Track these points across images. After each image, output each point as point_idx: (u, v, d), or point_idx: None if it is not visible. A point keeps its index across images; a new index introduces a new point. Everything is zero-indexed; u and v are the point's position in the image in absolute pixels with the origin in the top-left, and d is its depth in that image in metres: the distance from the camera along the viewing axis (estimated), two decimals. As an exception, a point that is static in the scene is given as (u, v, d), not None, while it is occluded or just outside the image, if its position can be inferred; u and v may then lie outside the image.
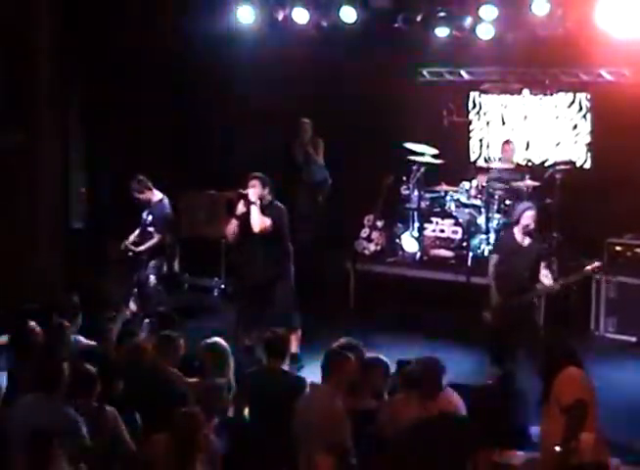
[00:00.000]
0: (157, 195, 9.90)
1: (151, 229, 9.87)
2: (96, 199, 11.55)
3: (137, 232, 9.97)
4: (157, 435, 5.81)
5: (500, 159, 11.60)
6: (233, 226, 9.02)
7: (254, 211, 8.75)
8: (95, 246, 10.16)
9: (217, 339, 7.17)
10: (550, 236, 10.43)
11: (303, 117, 12.15)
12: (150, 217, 9.85)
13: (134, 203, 9.86)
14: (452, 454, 5.40)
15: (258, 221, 8.75)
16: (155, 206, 9.86)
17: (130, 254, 9.89)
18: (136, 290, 10.05)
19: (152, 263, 9.92)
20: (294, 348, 8.97)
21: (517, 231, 8.56)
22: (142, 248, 9.88)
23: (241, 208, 8.92)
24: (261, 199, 8.85)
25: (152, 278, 9.96)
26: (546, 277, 8.47)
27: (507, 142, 11.59)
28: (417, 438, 5.52)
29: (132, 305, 9.97)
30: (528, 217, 8.47)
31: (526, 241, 8.51)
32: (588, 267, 8.54)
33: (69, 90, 11.34)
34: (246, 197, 8.82)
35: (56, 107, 11.00)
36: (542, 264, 8.55)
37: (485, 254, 10.84)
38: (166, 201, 9.94)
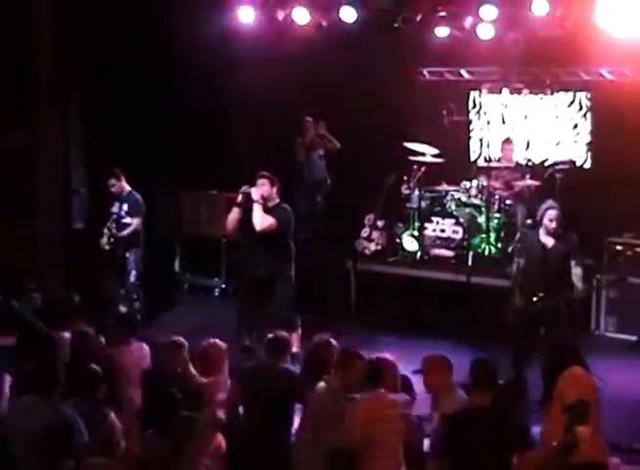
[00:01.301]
0: (127, 186, 10.16)
1: (127, 219, 10.06)
2: (96, 199, 11.55)
3: (112, 225, 10.06)
4: (149, 433, 5.82)
5: (500, 158, 11.61)
6: (234, 216, 8.95)
7: (257, 209, 8.72)
8: (95, 246, 10.15)
9: (213, 340, 7.20)
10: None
11: (304, 116, 12.17)
12: (125, 207, 10.09)
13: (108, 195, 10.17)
14: (501, 444, 5.50)
15: (260, 220, 8.70)
16: (127, 196, 10.14)
17: (112, 240, 10.02)
18: (123, 290, 10.17)
19: (132, 257, 10.05)
20: (294, 347, 8.96)
21: (541, 232, 8.29)
22: (125, 233, 10.04)
23: (242, 198, 8.86)
24: (269, 199, 8.81)
25: (133, 273, 10.10)
26: (577, 277, 8.13)
27: (506, 141, 11.57)
28: (470, 423, 5.62)
29: (122, 308, 10.06)
30: (551, 217, 8.21)
31: (551, 241, 8.26)
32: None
33: (69, 90, 11.35)
34: (249, 195, 8.79)
35: (56, 107, 11.01)
36: (573, 263, 8.20)
37: (486, 253, 10.87)
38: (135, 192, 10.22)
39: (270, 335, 7.13)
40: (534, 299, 8.12)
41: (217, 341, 7.11)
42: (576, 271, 8.19)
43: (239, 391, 6.82)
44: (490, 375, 5.95)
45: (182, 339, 7.08)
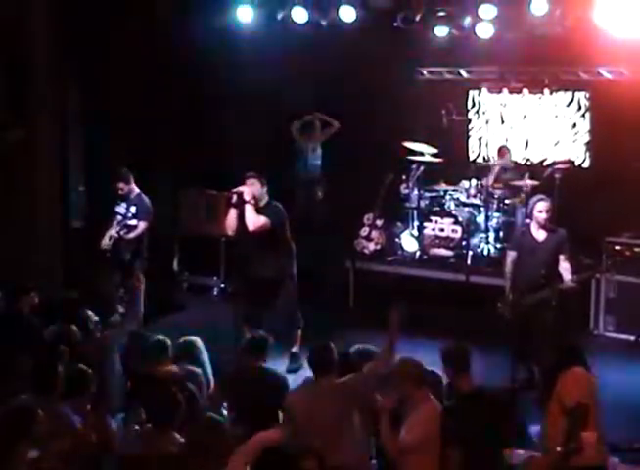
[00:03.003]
0: (136, 188, 10.01)
1: (133, 221, 9.92)
2: (95, 198, 11.55)
3: (116, 227, 9.94)
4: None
5: (497, 164, 11.59)
6: (232, 218, 8.93)
7: (249, 209, 8.66)
8: (94, 245, 10.14)
9: (190, 337, 7.22)
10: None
11: (303, 116, 12.18)
12: (133, 209, 9.91)
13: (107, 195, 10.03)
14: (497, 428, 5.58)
15: (253, 220, 8.63)
16: (136, 197, 9.97)
17: (113, 240, 9.90)
18: (123, 290, 10.14)
19: (137, 260, 10.00)
20: (294, 347, 8.98)
21: (532, 225, 8.32)
22: (132, 235, 9.90)
23: (235, 198, 8.83)
24: (259, 198, 8.79)
25: (137, 275, 10.04)
26: (566, 271, 8.12)
27: (502, 148, 11.61)
28: (465, 411, 5.71)
29: (120, 308, 10.03)
30: (540, 208, 8.21)
31: (542, 235, 8.26)
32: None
33: (69, 90, 11.34)
34: (240, 195, 8.75)
35: (55, 107, 11.00)
36: (562, 257, 8.19)
37: (485, 252, 10.89)
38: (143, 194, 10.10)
39: (248, 335, 7.15)
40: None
41: (192, 337, 7.13)
42: (565, 265, 8.18)
43: (222, 394, 6.84)
44: (467, 357, 5.99)
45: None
